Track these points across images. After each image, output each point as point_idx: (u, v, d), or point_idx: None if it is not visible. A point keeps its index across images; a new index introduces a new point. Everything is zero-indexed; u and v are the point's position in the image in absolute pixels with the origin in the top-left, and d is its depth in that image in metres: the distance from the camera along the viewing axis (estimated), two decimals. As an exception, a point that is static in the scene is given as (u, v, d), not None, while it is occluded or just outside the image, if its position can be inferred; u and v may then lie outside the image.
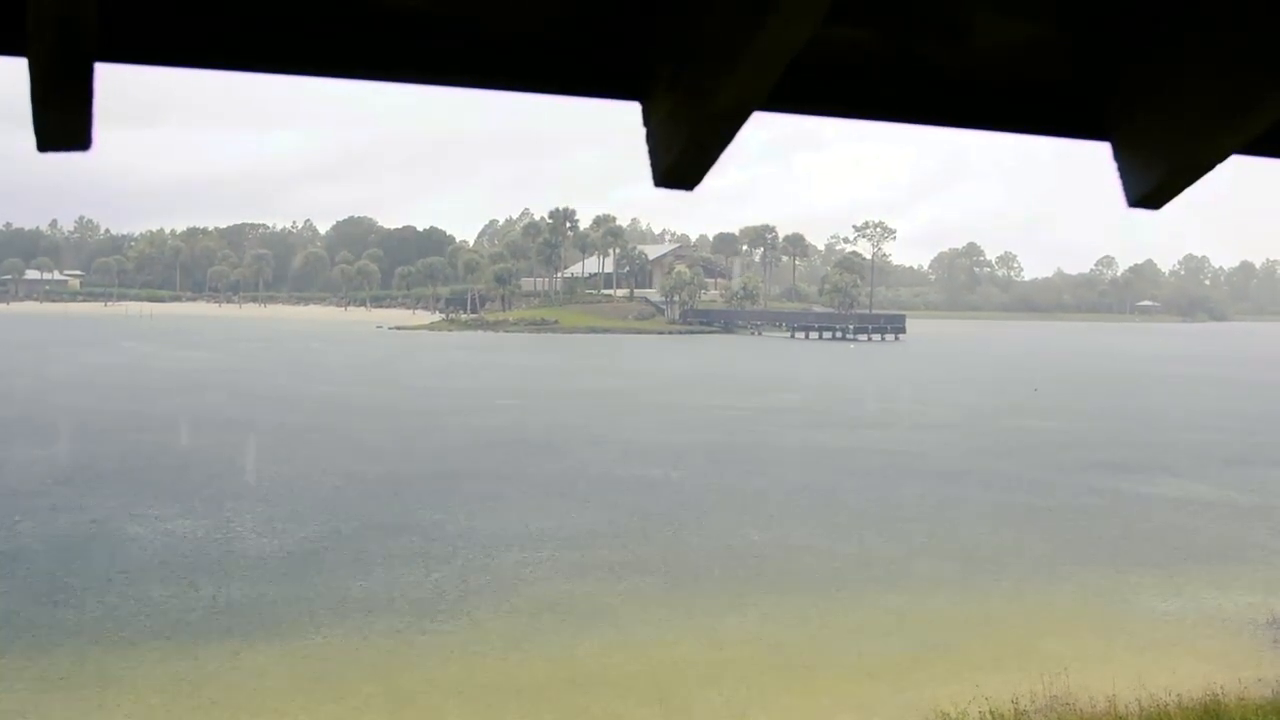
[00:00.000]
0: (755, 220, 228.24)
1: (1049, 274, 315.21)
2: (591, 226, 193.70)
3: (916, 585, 24.61)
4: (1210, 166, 1.96)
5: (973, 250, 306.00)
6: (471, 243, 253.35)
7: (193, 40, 1.64)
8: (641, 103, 2.02)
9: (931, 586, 24.51)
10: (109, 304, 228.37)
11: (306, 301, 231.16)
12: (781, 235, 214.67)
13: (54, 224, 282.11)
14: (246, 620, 21.51)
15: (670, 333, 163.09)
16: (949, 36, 2.04)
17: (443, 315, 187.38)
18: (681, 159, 1.92)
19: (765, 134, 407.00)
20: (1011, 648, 20.09)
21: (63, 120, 1.51)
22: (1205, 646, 20.09)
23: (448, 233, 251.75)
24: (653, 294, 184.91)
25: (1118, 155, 2.11)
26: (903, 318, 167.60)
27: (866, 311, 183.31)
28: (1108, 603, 23.31)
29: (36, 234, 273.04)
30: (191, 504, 31.45)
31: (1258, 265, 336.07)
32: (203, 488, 33.94)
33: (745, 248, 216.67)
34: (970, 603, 23.37)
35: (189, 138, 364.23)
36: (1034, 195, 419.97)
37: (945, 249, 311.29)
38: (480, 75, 1.92)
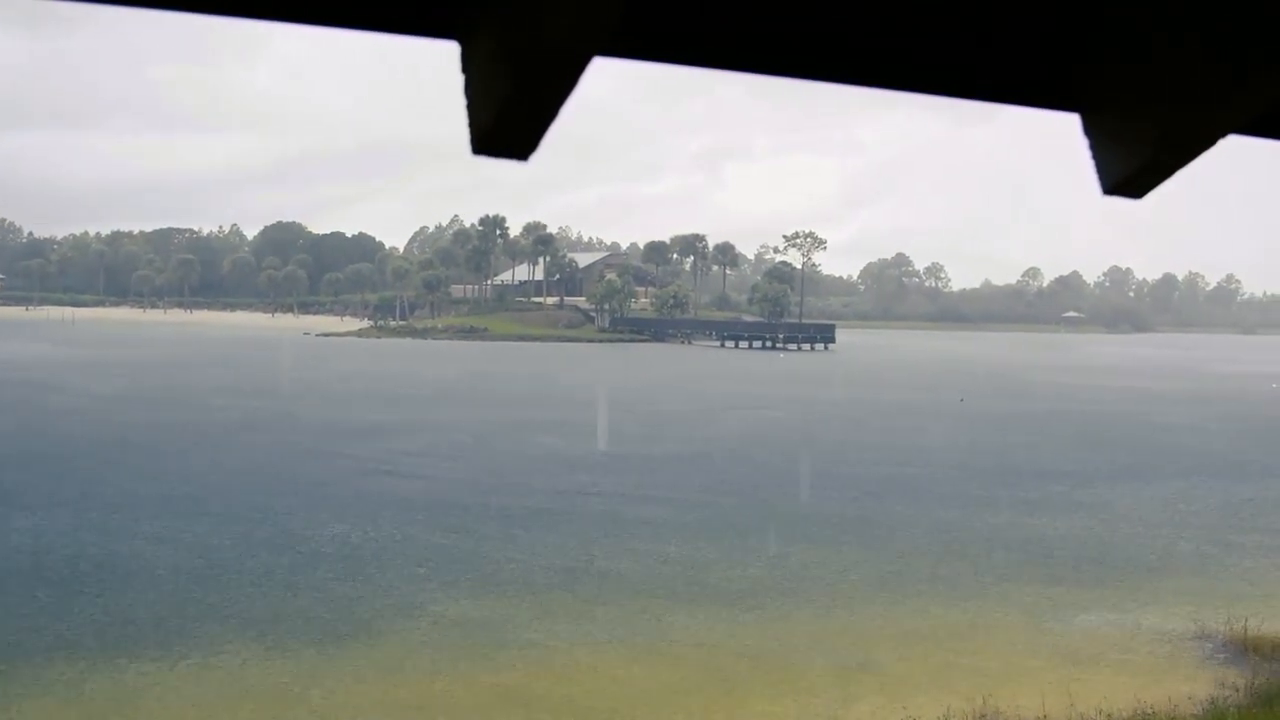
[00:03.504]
0: (686, 229, 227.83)
1: (977, 284, 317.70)
2: (522, 234, 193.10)
3: (834, 599, 24.33)
4: (1203, 147, 1.71)
5: (901, 260, 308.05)
6: (401, 249, 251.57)
7: None
8: (460, 43, 1.72)
9: (849, 601, 24.24)
10: (30, 308, 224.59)
11: (234, 307, 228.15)
12: (712, 244, 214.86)
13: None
14: (133, 633, 20.84)
15: (600, 341, 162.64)
16: None
17: (371, 322, 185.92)
18: (506, 114, 1.63)
19: (695, 143, 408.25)
20: (936, 664, 19.83)
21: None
22: (1133, 662, 19.93)
23: (377, 239, 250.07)
24: (583, 302, 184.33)
25: (1088, 130, 1.84)
26: (833, 327, 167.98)
27: (797, 321, 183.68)
28: (1031, 618, 23.14)
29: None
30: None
31: (1180, 277, 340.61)
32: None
33: (675, 256, 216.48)
34: (890, 618, 23.11)
35: (114, 140, 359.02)
36: (962, 206, 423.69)
37: (874, 259, 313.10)
38: (288, 10, 1.68)
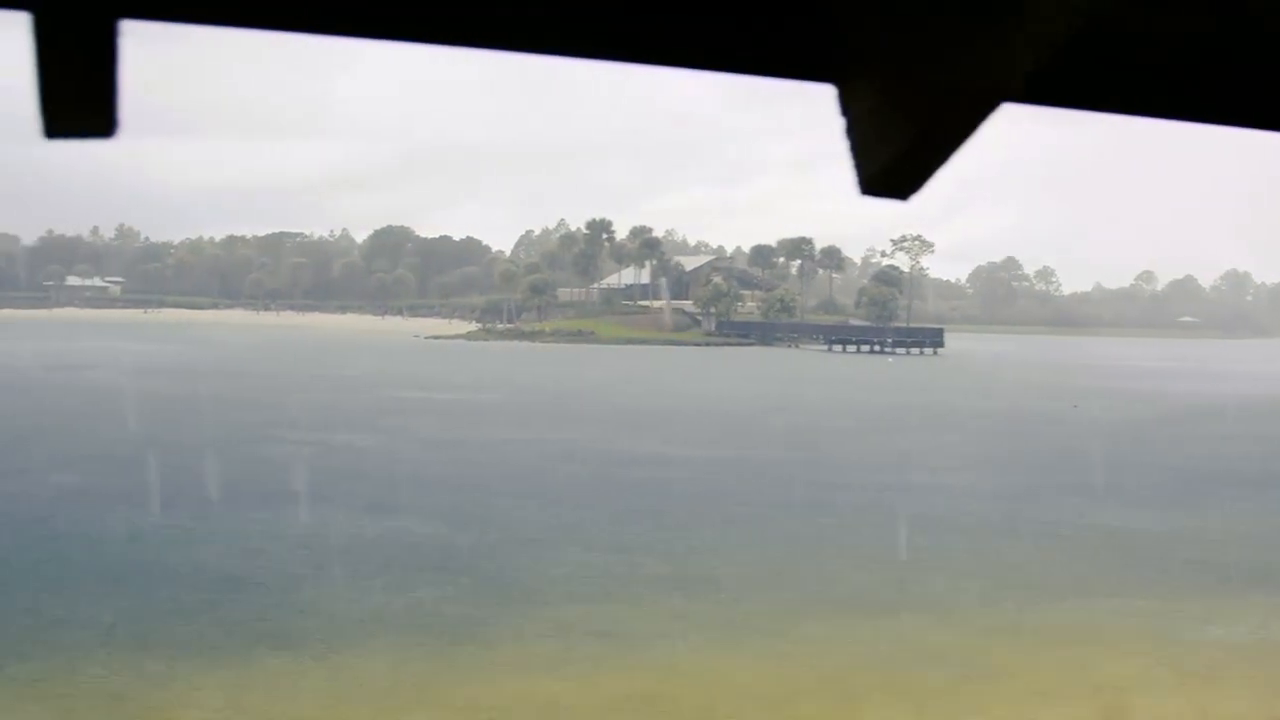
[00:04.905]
0: (791, 233, 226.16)
1: (1088, 288, 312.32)
2: (628, 237, 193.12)
3: (948, 607, 24.02)
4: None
5: (1011, 264, 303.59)
6: (508, 253, 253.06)
7: None
8: (837, 86, 1.67)
9: (967, 606, 23.93)
10: (148, 311, 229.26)
11: (344, 310, 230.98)
12: (819, 248, 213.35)
13: (95, 231, 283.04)
14: (266, 632, 21.19)
15: (706, 345, 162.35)
16: None
17: (479, 325, 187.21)
18: (898, 161, 1.59)
19: (799, 146, 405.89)
20: (1063, 673, 19.51)
21: (79, 98, 1.31)
22: (1267, 675, 19.46)
23: (484, 243, 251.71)
24: (689, 306, 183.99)
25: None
26: (941, 331, 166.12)
27: (904, 325, 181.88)
28: (1156, 626, 22.68)
29: (78, 241, 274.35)
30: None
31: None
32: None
33: (782, 260, 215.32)
34: (1010, 624, 22.78)
35: (227, 147, 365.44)
36: (1071, 208, 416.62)
37: (983, 263, 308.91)
38: (664, 53, 1.61)
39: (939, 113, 1.53)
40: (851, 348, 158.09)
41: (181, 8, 1.28)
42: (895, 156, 1.60)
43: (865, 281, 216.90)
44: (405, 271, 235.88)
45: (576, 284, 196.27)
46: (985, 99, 1.52)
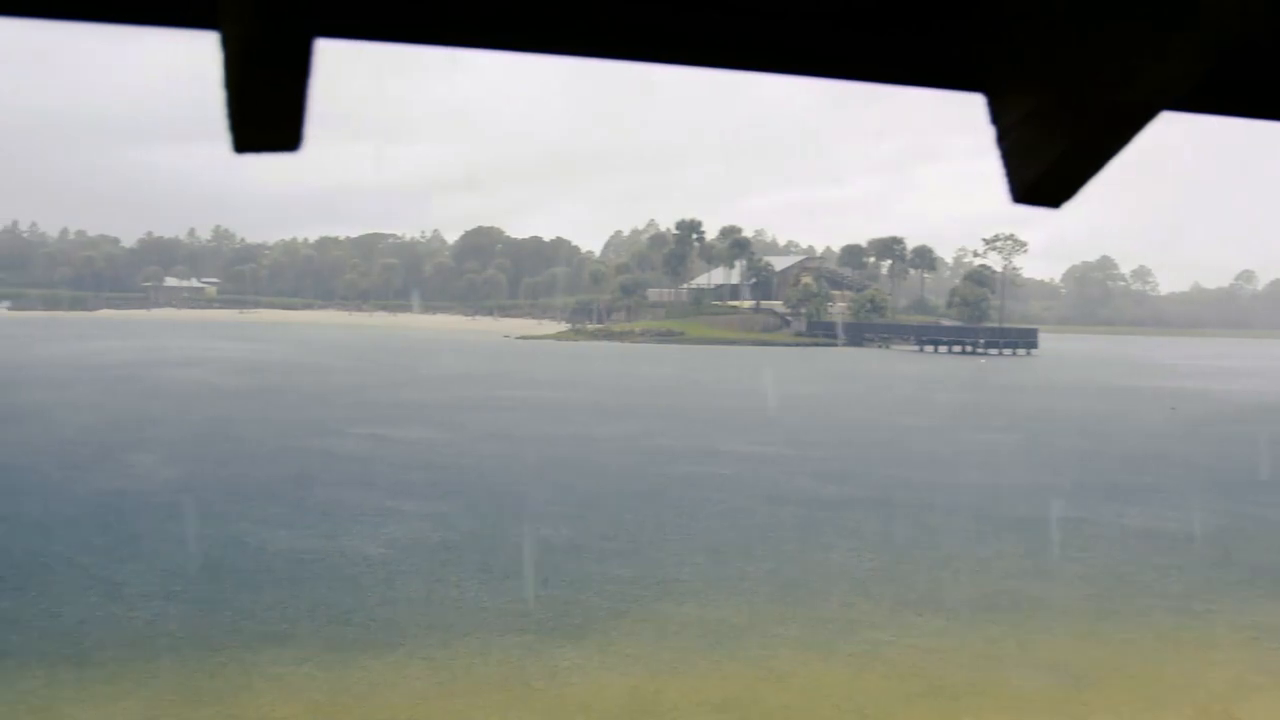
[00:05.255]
0: (879, 232, 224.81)
1: (1185, 288, 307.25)
2: (718, 238, 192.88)
3: (1042, 611, 23.63)
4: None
5: (1106, 263, 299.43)
6: (597, 253, 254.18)
7: (417, 14, 1.41)
8: (987, 96, 1.66)
9: (1057, 613, 23.51)
10: (243, 311, 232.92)
11: (434, 310, 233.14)
12: (910, 247, 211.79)
13: (192, 233, 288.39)
14: (375, 627, 21.32)
15: (797, 345, 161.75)
16: None
17: (569, 325, 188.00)
18: (1051, 171, 1.57)
19: (887, 146, 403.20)
20: (1168, 682, 19.10)
21: (270, 114, 1.35)
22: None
23: (573, 243, 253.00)
24: (779, 306, 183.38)
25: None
26: (1034, 332, 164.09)
27: (997, 325, 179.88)
28: (1260, 634, 22.14)
29: (175, 242, 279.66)
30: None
31: None
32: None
33: (872, 260, 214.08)
34: (1107, 631, 22.36)
35: (321, 150, 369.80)
36: (1168, 207, 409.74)
37: (1077, 262, 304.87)
38: (811, 63, 1.62)
39: (1095, 123, 1.51)
40: (943, 348, 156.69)
41: (374, 28, 1.31)
42: (1048, 166, 1.57)
43: (957, 281, 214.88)
44: (495, 272, 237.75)
45: (666, 284, 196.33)
46: (1143, 109, 1.51)
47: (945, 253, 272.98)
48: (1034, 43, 1.55)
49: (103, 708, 17.27)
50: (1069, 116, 1.53)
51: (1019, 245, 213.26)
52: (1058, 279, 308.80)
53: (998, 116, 1.65)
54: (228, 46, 1.31)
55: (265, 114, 1.37)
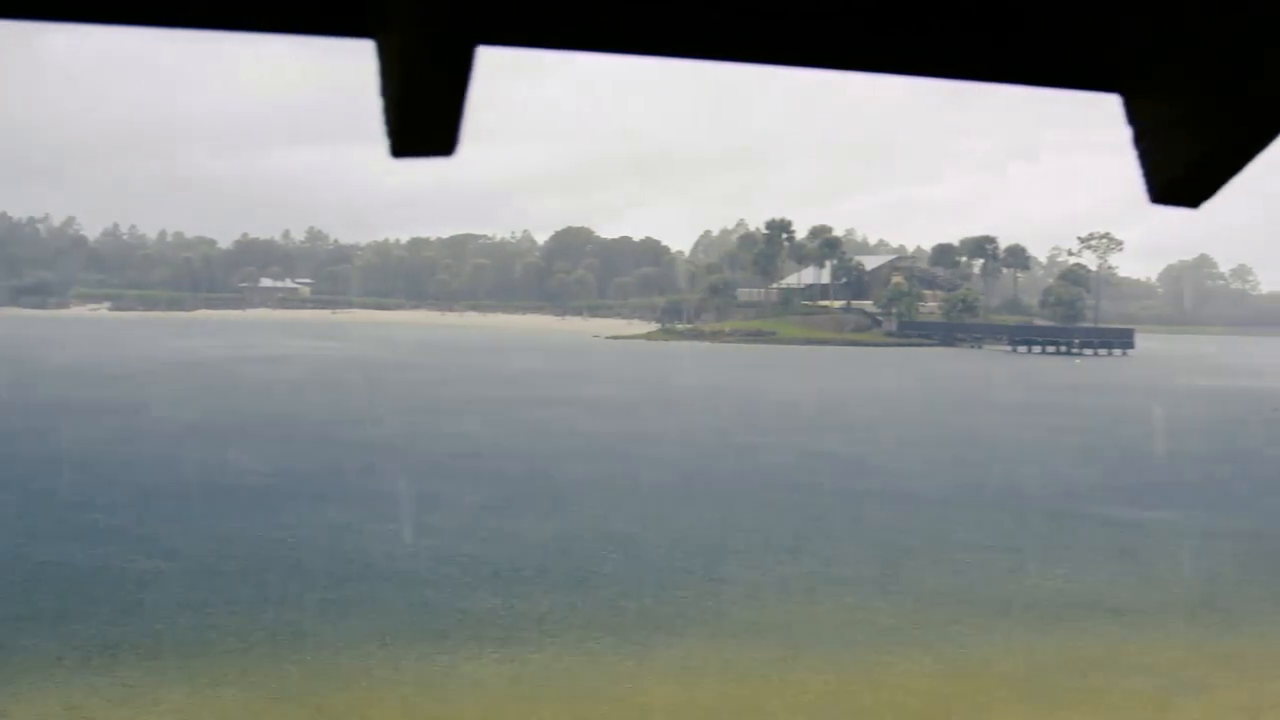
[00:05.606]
0: (971, 231, 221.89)
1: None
2: (808, 237, 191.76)
3: (1137, 616, 23.16)
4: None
5: (1204, 262, 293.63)
6: (687, 253, 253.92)
7: (579, 21, 1.38)
8: (1123, 96, 1.64)
9: (1153, 619, 23.02)
10: (336, 311, 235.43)
11: (524, 311, 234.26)
12: (1002, 246, 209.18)
13: (286, 234, 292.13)
14: (460, 628, 21.37)
15: (888, 345, 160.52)
16: None
17: (659, 325, 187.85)
18: (1190, 172, 1.55)
19: (979, 145, 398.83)
20: (1253, 690, 18.63)
21: (430, 119, 1.36)
22: None
23: (663, 243, 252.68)
24: (869, 306, 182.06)
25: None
26: (1130, 332, 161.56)
27: (1091, 325, 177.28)
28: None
29: (270, 244, 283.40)
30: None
31: None
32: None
33: (964, 259, 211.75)
34: (1206, 637, 21.85)
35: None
36: (1270, 205, 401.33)
37: (1175, 261, 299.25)
38: (942, 66, 1.59)
39: (1236, 122, 1.49)
40: (1036, 348, 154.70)
41: (535, 36, 1.31)
42: (1188, 166, 1.55)
43: (1051, 281, 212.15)
44: (585, 272, 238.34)
45: (756, 284, 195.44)
46: None
47: (1039, 252, 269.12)
48: (1173, 42, 1.52)
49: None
50: (1210, 116, 1.51)
51: (1114, 244, 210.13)
52: (1154, 278, 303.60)
53: (1135, 117, 1.62)
54: (389, 55, 1.31)
55: (425, 120, 1.38)
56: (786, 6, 1.48)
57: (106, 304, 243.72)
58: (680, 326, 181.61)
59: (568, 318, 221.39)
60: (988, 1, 1.56)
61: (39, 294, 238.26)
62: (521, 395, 68.86)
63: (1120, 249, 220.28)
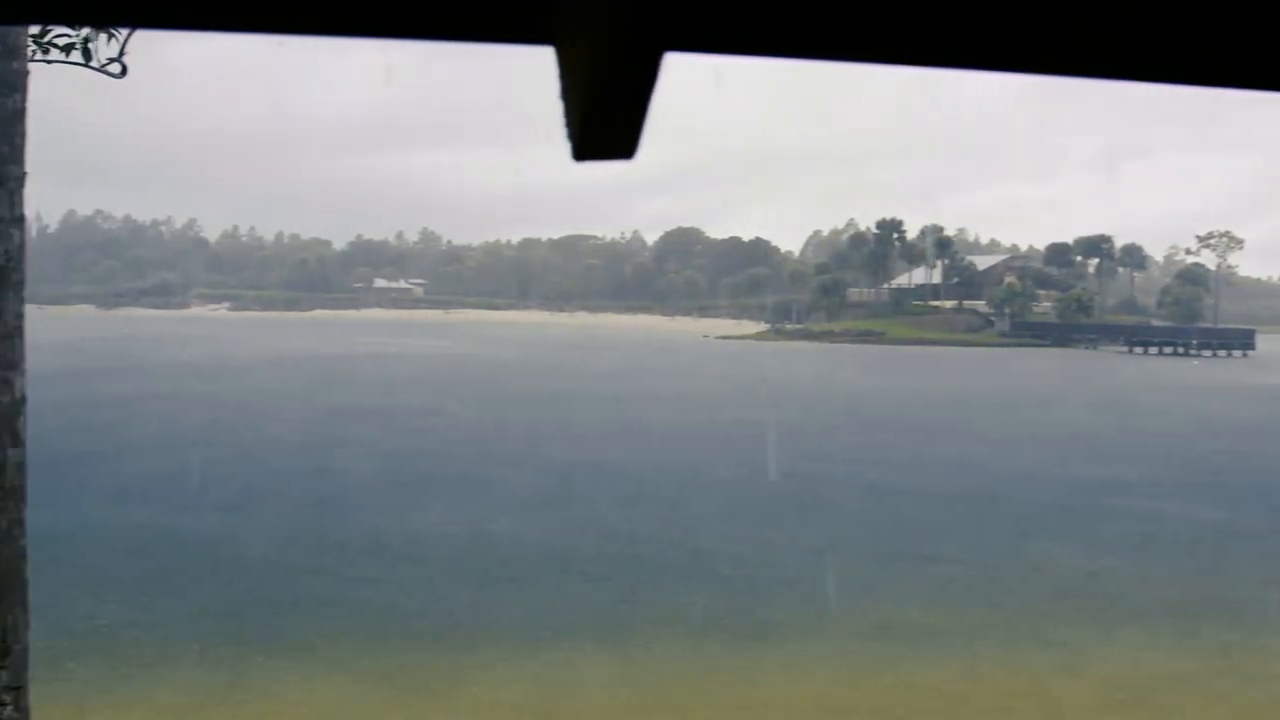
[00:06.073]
0: (1084, 230, 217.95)
1: None
2: (919, 237, 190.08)
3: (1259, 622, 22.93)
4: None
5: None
6: (797, 253, 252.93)
7: (771, 27, 1.33)
8: None
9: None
10: (449, 311, 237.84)
11: (634, 311, 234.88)
12: (1118, 245, 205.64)
13: (399, 235, 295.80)
14: (585, 625, 21.80)
15: (1001, 345, 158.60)
16: None
17: (768, 325, 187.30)
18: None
19: (1092, 142, 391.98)
20: None
21: (614, 125, 1.34)
22: None
23: (772, 243, 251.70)
24: (981, 306, 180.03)
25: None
26: (1251, 332, 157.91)
27: (1210, 325, 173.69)
28: None
29: (384, 245, 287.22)
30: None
31: None
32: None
33: (1079, 259, 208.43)
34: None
35: (520, 153, 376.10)
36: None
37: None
38: (1123, 69, 1.42)
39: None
40: (1153, 349, 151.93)
41: (725, 42, 1.29)
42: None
43: (1168, 280, 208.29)
44: (694, 272, 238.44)
45: (866, 284, 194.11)
46: None
47: (1155, 251, 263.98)
48: None
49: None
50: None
51: (1235, 242, 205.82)
52: (1277, 277, 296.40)
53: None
54: (572, 62, 1.31)
55: (609, 125, 1.36)
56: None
57: (226, 304, 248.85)
58: (789, 327, 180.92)
59: (677, 318, 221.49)
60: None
61: (161, 295, 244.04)
62: (645, 393, 69.38)
63: (1241, 248, 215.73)
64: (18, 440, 6.71)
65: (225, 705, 17.42)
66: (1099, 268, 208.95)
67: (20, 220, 6.81)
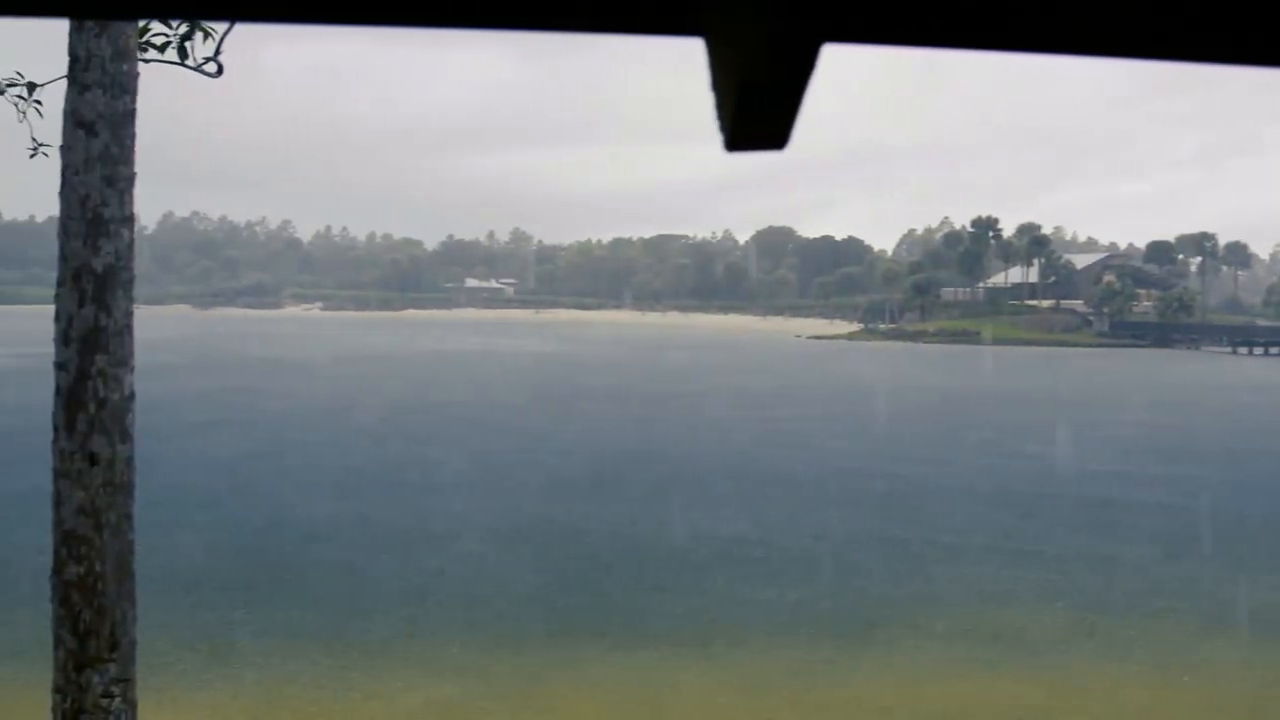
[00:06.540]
0: (1184, 228, 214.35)
1: None
2: (1015, 235, 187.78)
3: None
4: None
5: None
6: (890, 252, 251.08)
7: (927, 15, 1.28)
8: None
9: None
10: (539, 311, 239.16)
11: (726, 310, 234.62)
12: (1222, 243, 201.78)
13: (491, 235, 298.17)
14: (647, 625, 21.76)
15: (1100, 346, 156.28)
16: None
17: (861, 325, 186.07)
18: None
19: (1192, 138, 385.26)
20: None
21: (766, 116, 1.32)
22: None
23: (865, 242, 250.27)
24: (1079, 305, 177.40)
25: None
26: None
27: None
28: None
29: (475, 245, 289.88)
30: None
31: None
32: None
33: (1181, 257, 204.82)
34: None
35: (611, 153, 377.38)
36: None
37: None
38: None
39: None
40: (1258, 350, 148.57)
41: (881, 31, 1.27)
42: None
43: (1275, 279, 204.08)
44: (786, 272, 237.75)
45: (961, 283, 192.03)
46: None
47: (1261, 249, 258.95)
48: None
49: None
50: None
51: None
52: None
53: None
54: (724, 53, 1.30)
55: (763, 116, 1.36)
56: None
57: (319, 304, 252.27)
58: (883, 326, 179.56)
59: (769, 318, 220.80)
60: None
61: (256, 295, 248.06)
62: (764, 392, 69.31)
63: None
64: (126, 436, 6.76)
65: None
66: (1201, 266, 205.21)
67: (130, 220, 6.85)
